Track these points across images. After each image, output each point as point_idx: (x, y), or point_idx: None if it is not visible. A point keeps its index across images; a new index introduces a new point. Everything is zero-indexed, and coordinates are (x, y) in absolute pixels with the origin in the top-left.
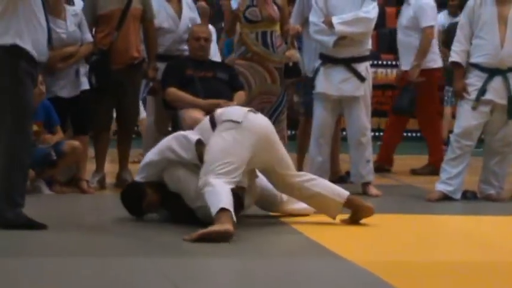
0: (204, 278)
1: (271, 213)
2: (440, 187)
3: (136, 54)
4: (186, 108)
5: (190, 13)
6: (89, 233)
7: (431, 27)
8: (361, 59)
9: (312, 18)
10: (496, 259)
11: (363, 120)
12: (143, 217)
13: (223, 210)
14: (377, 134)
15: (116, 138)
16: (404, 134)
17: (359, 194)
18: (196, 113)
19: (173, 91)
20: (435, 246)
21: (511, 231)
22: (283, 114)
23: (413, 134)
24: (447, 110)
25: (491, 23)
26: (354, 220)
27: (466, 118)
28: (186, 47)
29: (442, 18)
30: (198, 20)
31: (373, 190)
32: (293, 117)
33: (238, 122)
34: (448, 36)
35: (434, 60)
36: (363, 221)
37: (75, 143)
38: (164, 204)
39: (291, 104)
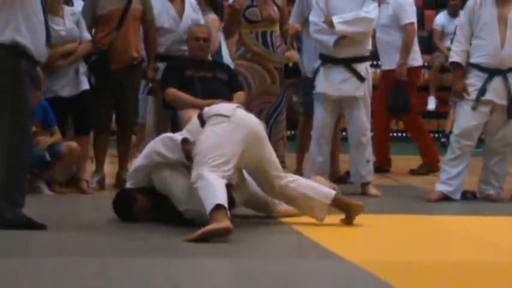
0: (203, 278)
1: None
2: (440, 187)
3: (136, 54)
4: (186, 108)
5: (193, 14)
6: (89, 233)
7: (412, 23)
8: (361, 59)
9: (313, 18)
10: (496, 259)
11: (362, 120)
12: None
13: (219, 207)
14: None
15: (115, 139)
16: (403, 135)
17: (358, 194)
18: (196, 113)
19: (173, 91)
20: (434, 247)
21: (511, 232)
22: (283, 114)
23: None
24: (453, 111)
25: (492, 23)
26: (347, 220)
27: (465, 118)
28: (186, 47)
29: (442, 19)
30: (201, 22)
31: (372, 190)
32: (292, 118)
33: (227, 116)
34: None
35: (416, 59)
36: (362, 221)
37: (73, 144)
38: (155, 209)
39: (290, 104)
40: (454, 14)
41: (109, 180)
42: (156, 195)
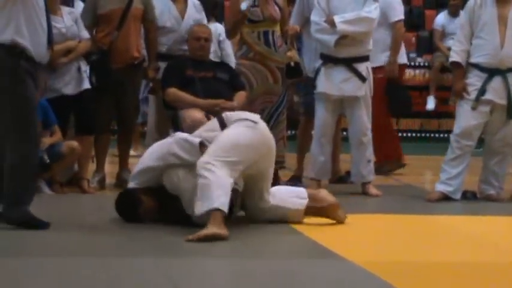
0: (204, 278)
1: None
2: (440, 187)
3: (137, 54)
4: (186, 108)
5: (195, 14)
6: (89, 233)
7: (401, 21)
8: (362, 59)
9: (314, 17)
10: (496, 259)
11: (363, 120)
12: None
13: (219, 210)
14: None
15: (116, 138)
16: (404, 134)
17: (359, 194)
18: (196, 113)
19: (173, 91)
20: (435, 247)
21: (511, 231)
22: (284, 114)
23: (412, 134)
24: None
25: (492, 23)
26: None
27: (465, 118)
28: None
29: (442, 18)
30: (204, 22)
31: (373, 190)
32: (293, 118)
33: (255, 122)
34: None
35: (401, 56)
36: (362, 221)
37: (74, 143)
38: (161, 210)
39: (291, 104)
40: (454, 14)
41: (109, 180)
42: (162, 196)
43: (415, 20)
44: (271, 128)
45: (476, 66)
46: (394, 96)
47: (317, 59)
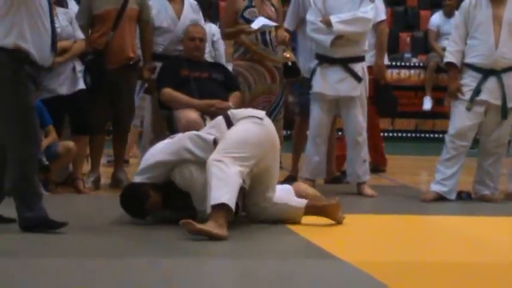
0: (203, 278)
1: None
2: (435, 188)
3: (132, 54)
4: (181, 108)
5: (192, 15)
6: (88, 233)
7: (385, 21)
8: (358, 59)
9: (310, 17)
10: (491, 260)
11: (359, 120)
12: (145, 219)
13: (223, 206)
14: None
15: (111, 139)
16: (399, 135)
17: (354, 194)
18: (192, 114)
19: (168, 91)
20: (430, 247)
21: (506, 232)
22: (281, 114)
23: (407, 135)
24: None
25: (486, 23)
26: (334, 221)
27: (460, 119)
28: None
29: (437, 19)
30: (201, 22)
31: (368, 190)
32: (288, 118)
33: (261, 119)
34: None
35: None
36: (357, 221)
37: (70, 143)
38: (167, 206)
39: (286, 104)
40: (449, 14)
41: (104, 180)
42: (168, 192)
43: (410, 20)
44: None
45: (471, 66)
46: (381, 96)
47: (312, 59)
